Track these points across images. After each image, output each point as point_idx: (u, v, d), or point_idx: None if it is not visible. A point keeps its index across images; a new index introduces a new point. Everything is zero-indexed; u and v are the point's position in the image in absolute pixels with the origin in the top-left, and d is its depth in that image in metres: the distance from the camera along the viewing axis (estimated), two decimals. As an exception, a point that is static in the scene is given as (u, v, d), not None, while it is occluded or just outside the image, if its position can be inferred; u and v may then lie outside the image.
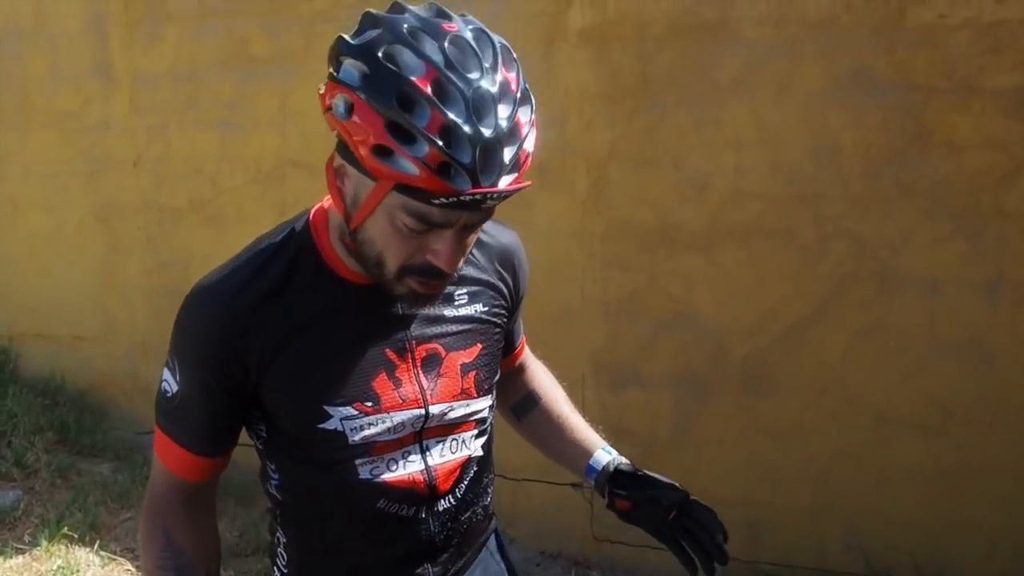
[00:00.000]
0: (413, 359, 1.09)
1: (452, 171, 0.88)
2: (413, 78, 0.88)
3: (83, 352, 3.81)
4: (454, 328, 1.13)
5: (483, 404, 1.17)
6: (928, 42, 2.45)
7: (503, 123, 0.90)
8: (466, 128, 0.88)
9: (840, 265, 2.61)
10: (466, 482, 1.17)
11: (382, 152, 0.89)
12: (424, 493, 1.12)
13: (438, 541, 1.15)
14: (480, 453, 1.19)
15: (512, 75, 0.93)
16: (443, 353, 1.12)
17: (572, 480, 3.01)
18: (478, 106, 0.89)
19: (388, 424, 1.08)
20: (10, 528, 2.94)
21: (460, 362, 1.13)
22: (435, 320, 1.11)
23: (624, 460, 1.28)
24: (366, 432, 1.07)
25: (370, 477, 1.08)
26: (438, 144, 0.87)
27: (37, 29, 3.75)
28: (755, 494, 2.77)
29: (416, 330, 1.10)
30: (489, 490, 1.25)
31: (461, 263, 1.01)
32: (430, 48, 0.89)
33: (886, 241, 2.56)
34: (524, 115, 0.93)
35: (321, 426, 1.05)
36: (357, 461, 1.08)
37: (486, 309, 1.16)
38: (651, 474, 1.25)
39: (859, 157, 2.56)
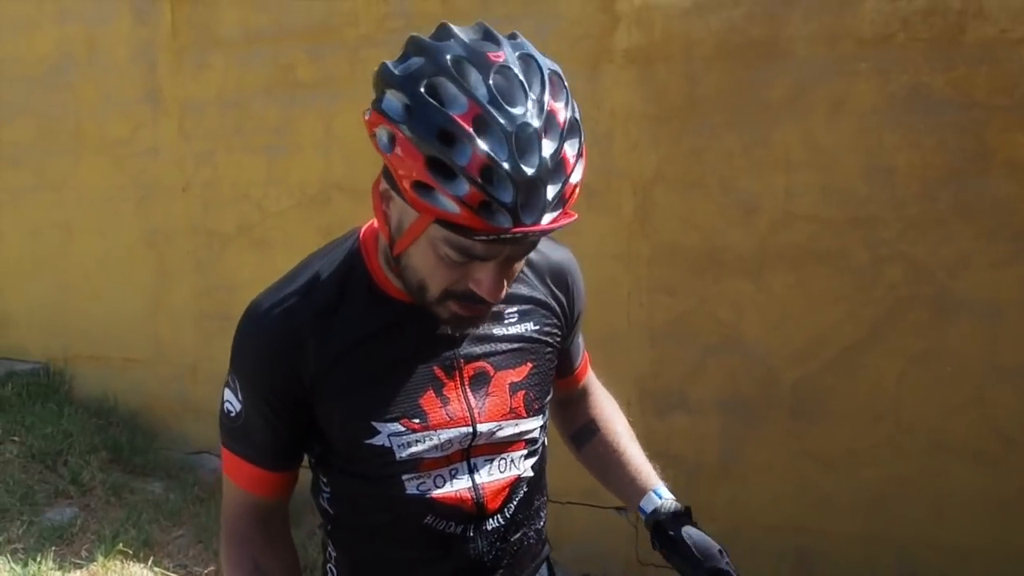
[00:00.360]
0: (461, 377, 1.09)
1: (493, 209, 0.87)
2: (455, 114, 0.86)
3: (134, 374, 3.87)
4: (503, 347, 1.11)
5: (533, 424, 1.15)
6: (989, 58, 2.38)
7: (547, 160, 0.88)
8: (507, 167, 0.86)
9: (894, 289, 2.55)
10: (515, 502, 1.15)
11: (423, 188, 0.88)
12: (471, 511, 1.11)
13: (487, 561, 1.14)
14: (530, 474, 1.16)
15: (560, 105, 0.91)
16: (491, 372, 1.10)
17: (616, 504, 2.97)
18: (521, 143, 0.87)
19: (435, 441, 1.07)
20: (68, 543, 3.00)
21: (509, 381, 1.12)
22: (484, 339, 1.10)
23: (671, 508, 1.20)
24: (413, 449, 1.06)
25: (417, 493, 1.08)
26: (478, 183, 0.86)
27: (89, 57, 3.82)
28: (806, 522, 2.71)
29: (465, 348, 1.09)
30: (542, 513, 1.23)
31: (505, 291, 0.99)
32: (474, 81, 0.88)
33: (943, 264, 2.49)
34: (571, 148, 0.91)
35: (369, 442, 1.06)
36: (404, 477, 1.08)
37: (537, 328, 1.14)
38: (686, 538, 1.16)
39: (915, 178, 2.49)
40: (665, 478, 1.28)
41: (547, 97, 0.89)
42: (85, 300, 3.97)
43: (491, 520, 1.12)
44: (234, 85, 3.51)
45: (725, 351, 2.79)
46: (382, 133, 0.91)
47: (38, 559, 2.93)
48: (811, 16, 2.57)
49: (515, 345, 1.12)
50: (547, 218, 0.89)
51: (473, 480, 1.10)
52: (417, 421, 1.06)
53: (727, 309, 2.78)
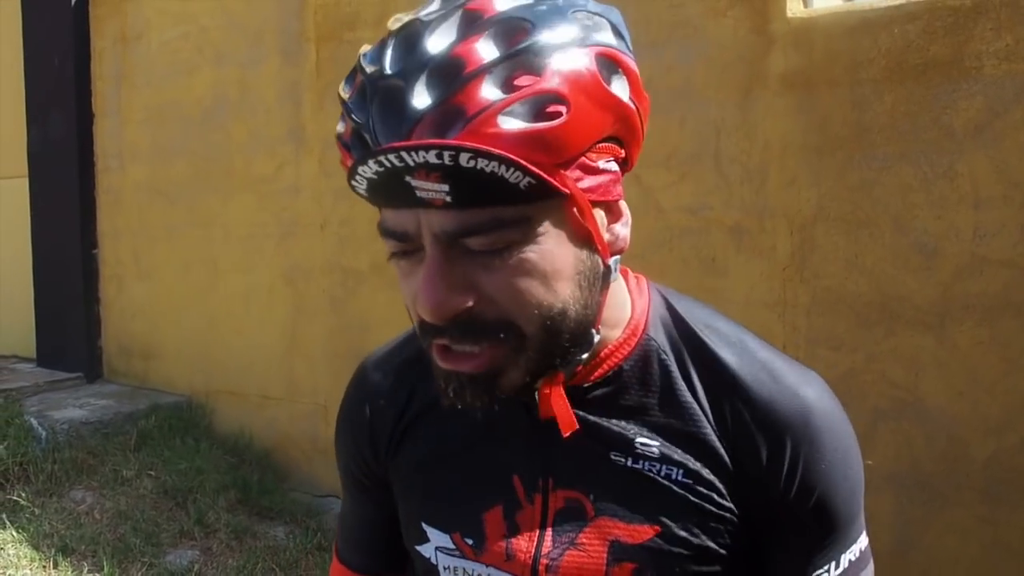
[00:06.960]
0: (544, 504, 0.77)
1: (359, 138, 0.64)
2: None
3: (270, 412, 3.86)
4: (621, 483, 0.75)
5: None
6: None
7: (425, 54, 0.61)
8: (369, 70, 0.63)
9: (1119, 351, 2.09)
10: None
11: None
12: None
13: None
14: None
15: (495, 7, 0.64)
16: (590, 511, 0.75)
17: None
18: (389, 44, 0.64)
19: None
20: (181, 593, 2.94)
21: (613, 537, 0.74)
22: (594, 460, 0.76)
23: None
24: None
25: None
26: (348, 108, 0.65)
27: (241, 99, 3.91)
28: (1003, 629, 2.25)
29: (560, 464, 0.77)
30: None
31: (450, 304, 0.64)
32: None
33: None
34: (486, 51, 0.61)
35: (419, 548, 0.83)
36: None
37: (688, 482, 0.74)
38: None
39: None
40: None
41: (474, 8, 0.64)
42: (227, 335, 4.02)
43: None
44: (373, 122, 3.46)
45: (900, 417, 2.40)
46: None
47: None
48: (1004, 28, 2.19)
49: (644, 487, 0.75)
50: (422, 134, 0.61)
51: None
52: (471, 542, 0.78)
53: (902, 368, 2.39)
